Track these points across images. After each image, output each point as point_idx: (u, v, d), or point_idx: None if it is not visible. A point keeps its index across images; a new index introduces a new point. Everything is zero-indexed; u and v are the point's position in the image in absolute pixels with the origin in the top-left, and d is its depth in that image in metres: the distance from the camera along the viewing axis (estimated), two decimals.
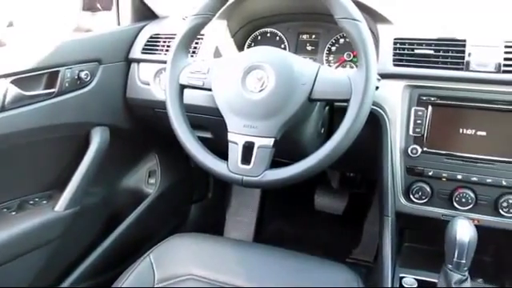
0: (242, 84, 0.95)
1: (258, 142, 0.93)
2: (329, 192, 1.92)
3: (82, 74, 1.26)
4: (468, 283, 0.95)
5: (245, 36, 1.39)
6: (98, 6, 1.54)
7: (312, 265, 1.08)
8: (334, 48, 1.30)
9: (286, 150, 1.04)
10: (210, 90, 1.01)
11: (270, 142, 0.93)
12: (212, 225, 2.05)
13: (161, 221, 1.70)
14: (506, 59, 0.99)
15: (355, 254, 1.87)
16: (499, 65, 0.99)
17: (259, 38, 1.38)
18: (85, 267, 1.41)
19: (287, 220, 2.09)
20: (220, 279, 1.03)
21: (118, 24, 1.49)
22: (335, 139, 0.89)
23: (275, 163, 0.94)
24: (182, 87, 1.04)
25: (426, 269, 1.10)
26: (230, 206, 2.08)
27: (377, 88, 0.96)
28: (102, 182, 1.46)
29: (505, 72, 0.99)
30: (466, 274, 0.94)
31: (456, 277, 0.93)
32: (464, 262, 0.92)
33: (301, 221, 2.06)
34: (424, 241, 1.29)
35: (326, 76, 0.93)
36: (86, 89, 1.29)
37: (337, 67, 1.28)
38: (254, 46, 1.37)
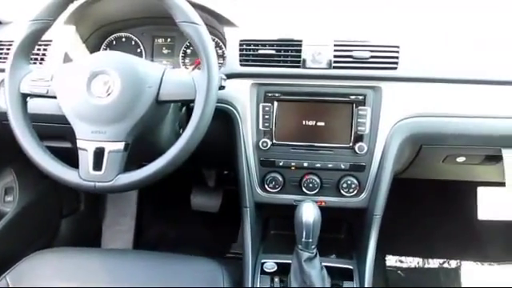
0: (87, 90, 0.94)
1: (109, 146, 0.92)
2: (204, 191, 1.96)
3: None
4: (317, 260, 1.05)
5: (99, 41, 1.36)
6: None
7: (177, 263, 1.11)
8: (189, 51, 1.34)
9: (145, 152, 1.06)
10: (54, 97, 0.98)
11: (121, 146, 0.93)
12: (88, 237, 1.97)
13: (25, 240, 1.58)
14: (335, 56, 1.11)
15: (234, 248, 1.94)
16: (330, 61, 1.11)
17: (114, 42, 1.37)
18: None
19: (167, 223, 2.08)
20: None
21: None
22: (184, 138, 0.93)
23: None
24: (24, 96, 0.99)
25: (285, 252, 1.19)
26: (106, 216, 2.01)
27: (223, 87, 1.02)
28: None
29: (335, 68, 1.11)
30: (315, 251, 1.04)
31: (305, 255, 1.03)
32: (311, 240, 1.01)
33: (180, 222, 2.07)
34: (287, 227, 1.38)
35: (172, 78, 0.96)
36: None
37: (193, 69, 1.31)
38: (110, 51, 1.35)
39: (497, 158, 1.16)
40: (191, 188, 2.01)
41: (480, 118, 1.10)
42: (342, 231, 1.41)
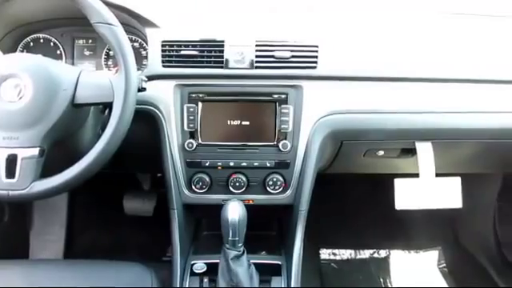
0: None
1: (21, 153, 0.88)
2: (137, 195, 1.92)
3: None
4: (244, 257, 1.06)
5: (14, 43, 1.29)
6: None
7: (105, 270, 1.09)
8: (112, 52, 1.30)
9: (67, 158, 1.02)
10: None
11: (35, 151, 0.89)
12: (15, 249, 1.86)
13: None
14: (257, 56, 1.13)
15: (170, 251, 1.91)
16: (252, 61, 1.12)
17: (32, 44, 1.30)
18: None
19: (100, 230, 2.02)
20: None
21: None
22: (102, 141, 0.91)
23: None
24: None
25: (216, 252, 1.19)
26: (34, 226, 1.92)
27: (143, 89, 1.01)
28: None
29: (257, 68, 1.13)
30: (242, 249, 1.06)
31: (232, 253, 1.04)
32: (237, 239, 1.03)
33: (114, 228, 2.01)
34: (219, 227, 1.39)
35: (88, 80, 0.93)
36: None
37: (117, 71, 1.28)
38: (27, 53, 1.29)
39: (412, 151, 1.24)
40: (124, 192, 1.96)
41: (396, 114, 1.16)
42: (272, 228, 1.44)
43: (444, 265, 1.97)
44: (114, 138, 0.90)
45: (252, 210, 1.12)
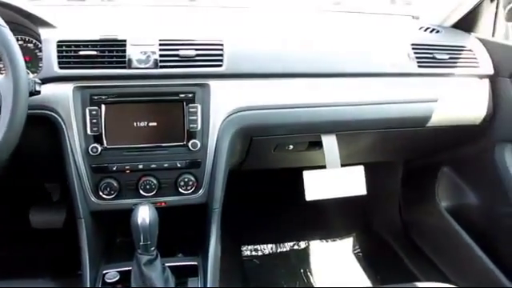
0: None
1: None
2: (45, 207, 1.80)
3: None
4: (158, 261, 1.04)
5: None
6: None
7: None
8: None
9: None
10: None
11: None
12: None
13: None
14: (161, 55, 1.11)
15: None
16: (156, 61, 1.10)
17: None
18: None
19: (6, 246, 1.86)
20: None
21: None
22: None
23: None
24: None
25: (130, 259, 1.15)
26: None
27: (37, 92, 0.95)
28: None
29: (162, 67, 1.10)
30: (155, 253, 1.03)
31: (145, 258, 1.01)
32: (149, 243, 1.00)
33: (25, 243, 1.87)
34: None
35: None
36: None
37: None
38: None
39: (319, 144, 1.29)
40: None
41: (300, 108, 1.20)
42: (189, 229, 1.42)
43: (359, 250, 2.08)
44: (4, 146, 0.84)
45: (166, 212, 1.09)
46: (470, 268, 1.53)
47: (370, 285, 1.86)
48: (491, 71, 1.35)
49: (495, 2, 1.44)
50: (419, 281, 1.09)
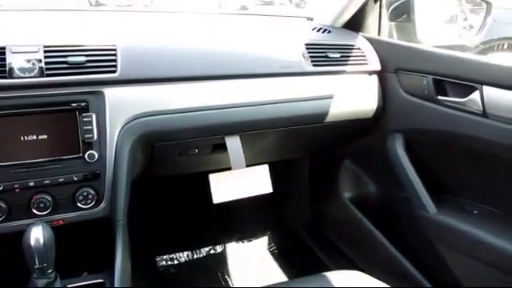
0: None
1: None
2: None
3: None
4: (58, 283, 0.96)
5: None
6: None
7: None
8: None
9: None
10: None
11: None
12: None
13: None
14: (47, 63, 1.03)
15: None
16: (42, 69, 1.02)
17: None
18: None
19: None
20: None
21: None
22: None
23: None
24: None
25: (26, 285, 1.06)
26: None
27: None
28: None
29: (48, 75, 1.03)
30: (53, 275, 0.95)
31: (43, 282, 0.93)
32: (45, 265, 0.92)
33: None
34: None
35: None
36: None
37: None
38: None
39: (224, 146, 1.29)
40: None
41: (200, 112, 1.19)
42: (95, 245, 1.34)
43: (274, 247, 2.11)
44: None
45: (66, 230, 1.02)
46: (374, 254, 1.63)
47: (286, 279, 1.91)
48: (379, 67, 1.45)
49: (378, 3, 1.55)
50: (330, 270, 1.13)
